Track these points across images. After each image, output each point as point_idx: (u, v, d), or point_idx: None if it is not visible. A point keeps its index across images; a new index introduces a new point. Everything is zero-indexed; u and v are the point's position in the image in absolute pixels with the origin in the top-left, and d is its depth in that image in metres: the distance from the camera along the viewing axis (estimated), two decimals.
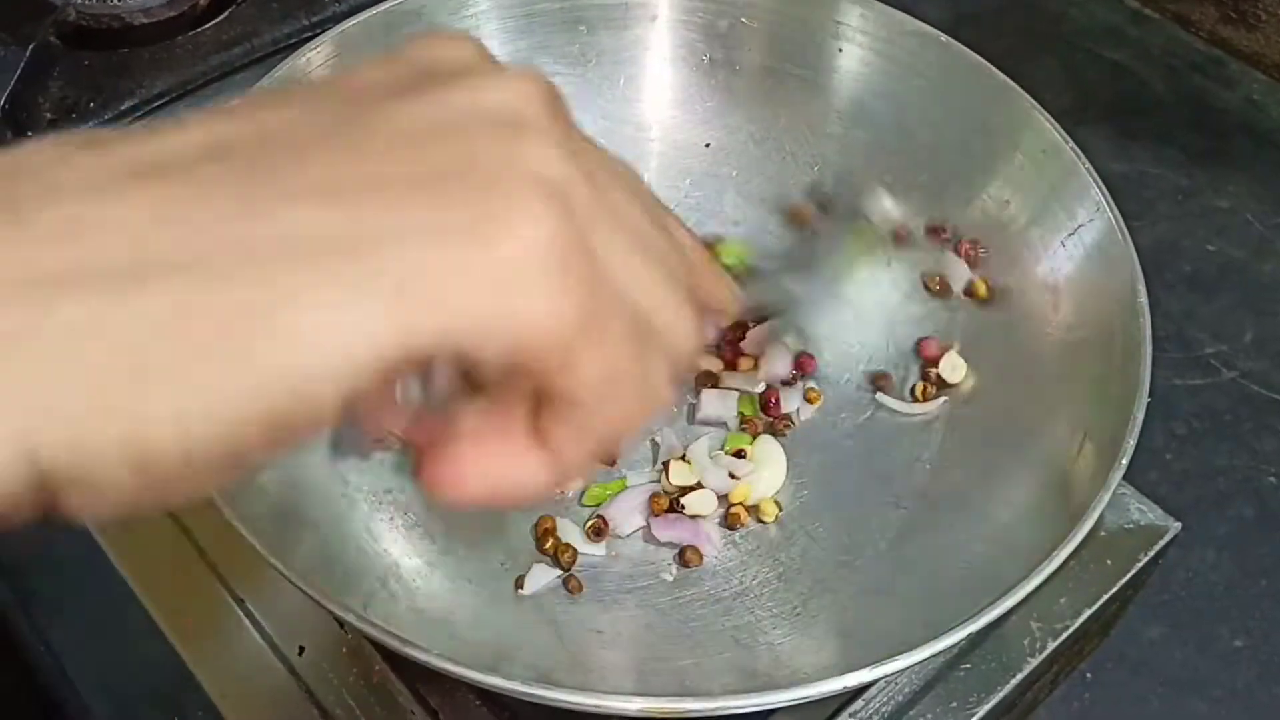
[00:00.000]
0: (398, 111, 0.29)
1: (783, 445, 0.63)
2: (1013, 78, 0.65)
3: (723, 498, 0.61)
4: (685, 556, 0.59)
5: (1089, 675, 0.69)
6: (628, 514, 0.60)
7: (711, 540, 0.59)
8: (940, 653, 0.47)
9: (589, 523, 0.59)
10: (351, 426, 0.30)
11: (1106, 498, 0.49)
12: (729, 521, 0.61)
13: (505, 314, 0.27)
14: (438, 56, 0.31)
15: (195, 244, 0.26)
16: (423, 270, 0.26)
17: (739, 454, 0.62)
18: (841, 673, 0.45)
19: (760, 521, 0.61)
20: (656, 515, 0.60)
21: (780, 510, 0.61)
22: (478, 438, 0.32)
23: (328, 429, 0.28)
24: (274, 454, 0.27)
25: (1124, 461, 0.50)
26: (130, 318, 0.25)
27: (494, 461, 0.31)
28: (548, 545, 0.59)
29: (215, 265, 0.25)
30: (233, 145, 0.28)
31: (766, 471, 0.62)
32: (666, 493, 0.61)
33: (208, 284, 0.25)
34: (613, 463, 0.48)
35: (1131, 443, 0.50)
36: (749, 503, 0.61)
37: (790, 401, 0.65)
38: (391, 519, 0.58)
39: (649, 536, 0.60)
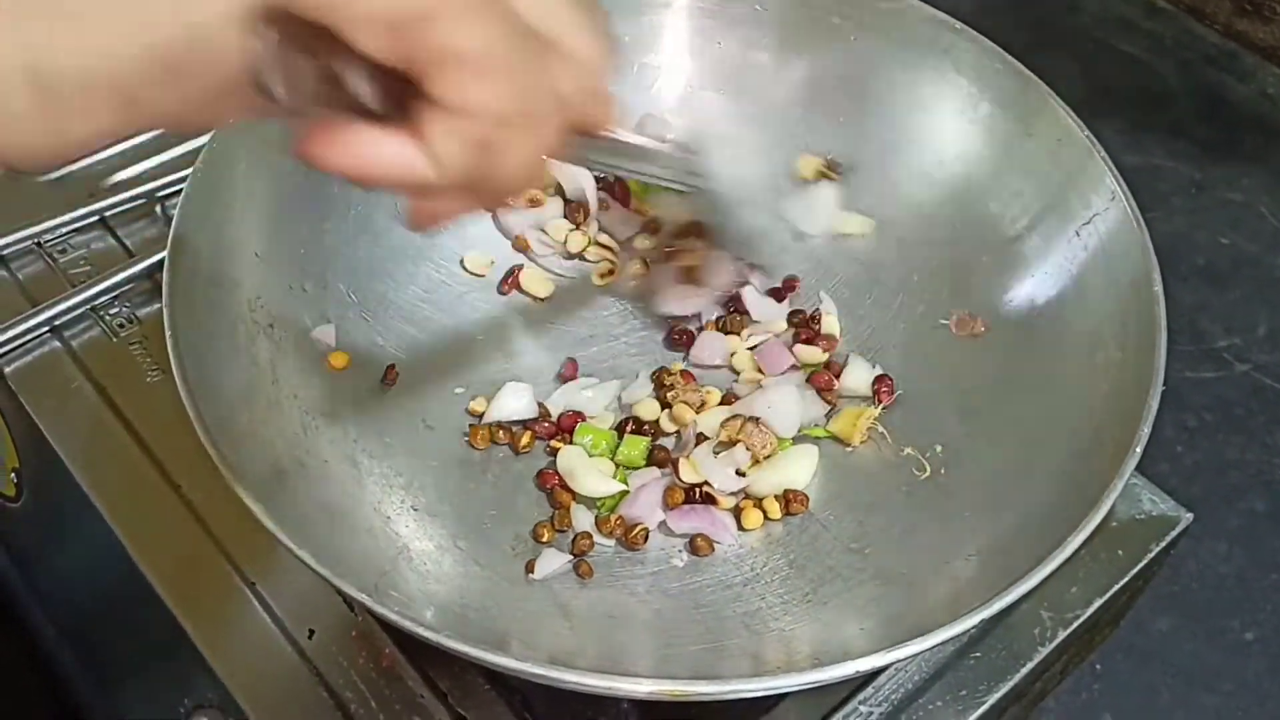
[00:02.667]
0: None
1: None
2: (1027, 68, 0.65)
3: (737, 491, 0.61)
4: (695, 545, 0.59)
5: (1098, 666, 0.69)
6: (651, 509, 0.60)
7: (729, 529, 0.59)
8: (951, 640, 0.47)
9: (615, 525, 0.59)
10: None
11: (1120, 486, 0.49)
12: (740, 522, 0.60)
13: None
14: None
15: None
16: None
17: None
18: (852, 658, 0.45)
19: (767, 519, 0.61)
20: (672, 508, 0.60)
21: (783, 512, 0.61)
22: (354, 120, 0.36)
23: (227, 80, 0.33)
24: (170, 97, 0.32)
25: (1138, 450, 0.50)
26: None
27: (365, 137, 0.36)
28: (559, 517, 0.59)
29: None
30: None
31: (795, 467, 0.62)
32: (679, 485, 0.61)
33: None
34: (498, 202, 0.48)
35: (1146, 431, 0.50)
36: (766, 494, 0.61)
37: None
38: (402, 502, 0.58)
39: (662, 525, 0.60)
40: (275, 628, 0.59)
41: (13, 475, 0.68)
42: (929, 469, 0.61)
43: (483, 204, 0.42)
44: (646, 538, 0.59)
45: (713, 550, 0.59)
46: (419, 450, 0.61)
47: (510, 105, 0.35)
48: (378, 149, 0.36)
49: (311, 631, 0.58)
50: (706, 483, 0.61)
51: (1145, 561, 0.61)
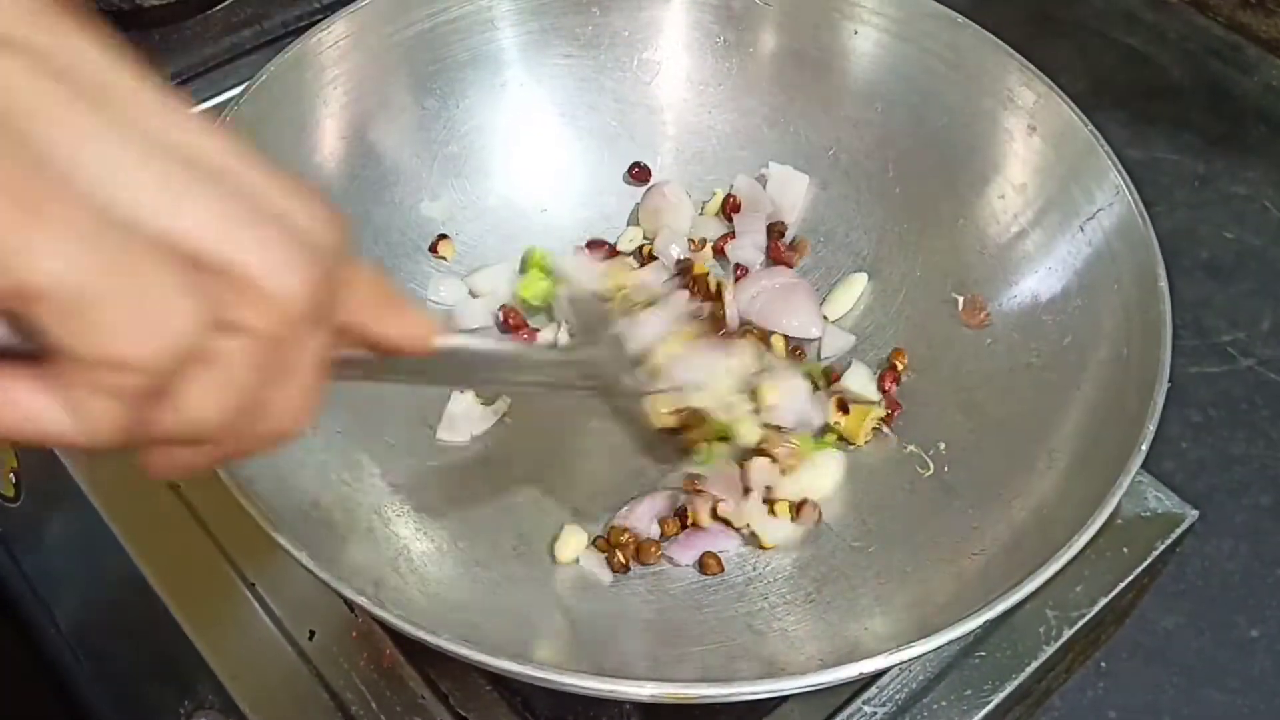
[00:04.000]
0: None
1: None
2: (1028, 61, 0.64)
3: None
4: (705, 564, 0.58)
5: (1104, 664, 0.68)
6: (648, 524, 0.59)
7: (733, 535, 0.59)
8: (955, 640, 0.46)
9: (628, 541, 0.58)
10: None
11: (1125, 484, 0.48)
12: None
13: None
14: None
15: None
16: None
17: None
18: (855, 660, 0.44)
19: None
20: (668, 538, 0.59)
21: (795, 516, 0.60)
22: None
23: None
24: None
25: (1144, 447, 0.49)
26: None
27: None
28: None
29: None
30: None
31: (823, 476, 0.61)
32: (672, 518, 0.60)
33: None
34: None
35: (1151, 428, 0.50)
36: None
37: None
38: (403, 502, 0.58)
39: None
40: (275, 628, 0.58)
41: (12, 475, 0.68)
42: (932, 467, 0.60)
43: (231, 453, 0.31)
44: (657, 550, 0.58)
45: (723, 569, 0.58)
46: (420, 450, 0.61)
47: (159, 346, 0.26)
48: (4, 394, 0.26)
49: (312, 632, 0.58)
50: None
51: (1151, 559, 0.61)
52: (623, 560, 0.57)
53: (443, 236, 0.68)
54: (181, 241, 0.26)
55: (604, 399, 0.54)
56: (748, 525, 0.59)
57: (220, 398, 0.28)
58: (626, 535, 0.58)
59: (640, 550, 0.58)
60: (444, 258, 0.67)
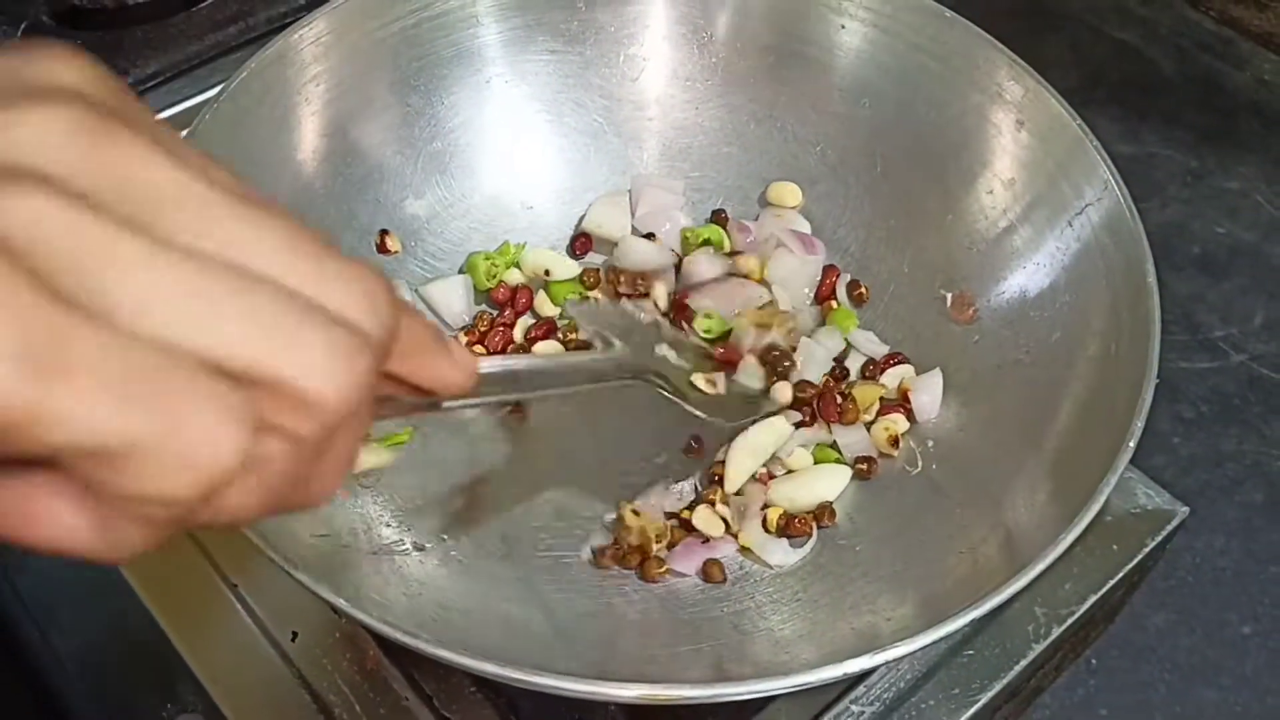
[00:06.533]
0: None
1: None
2: (1018, 56, 0.64)
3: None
4: (709, 573, 0.57)
5: (1094, 661, 0.68)
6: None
7: (730, 542, 0.58)
8: (943, 638, 0.46)
9: (630, 552, 0.57)
10: None
11: (1114, 480, 0.48)
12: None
13: None
14: (23, 71, 0.25)
15: None
16: None
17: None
18: (841, 660, 0.44)
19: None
20: (669, 547, 0.58)
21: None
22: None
23: None
24: None
25: (1131, 444, 0.49)
26: None
27: (11, 499, 0.25)
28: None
29: None
30: None
31: (824, 482, 0.60)
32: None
33: None
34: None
35: (1139, 424, 0.49)
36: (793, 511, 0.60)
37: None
38: (387, 501, 0.57)
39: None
40: (257, 629, 0.58)
41: None
42: (920, 464, 0.60)
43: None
44: (661, 567, 0.57)
45: (725, 577, 0.57)
46: (405, 451, 0.60)
47: (200, 480, 0.24)
48: (31, 505, 0.25)
49: (294, 633, 0.57)
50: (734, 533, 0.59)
51: (1141, 556, 0.60)
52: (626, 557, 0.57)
53: (384, 231, 0.66)
54: (220, 361, 0.25)
55: (648, 383, 0.55)
56: (741, 539, 0.58)
57: (258, 497, 0.27)
58: (631, 550, 0.57)
59: (644, 568, 0.57)
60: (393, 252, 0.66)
